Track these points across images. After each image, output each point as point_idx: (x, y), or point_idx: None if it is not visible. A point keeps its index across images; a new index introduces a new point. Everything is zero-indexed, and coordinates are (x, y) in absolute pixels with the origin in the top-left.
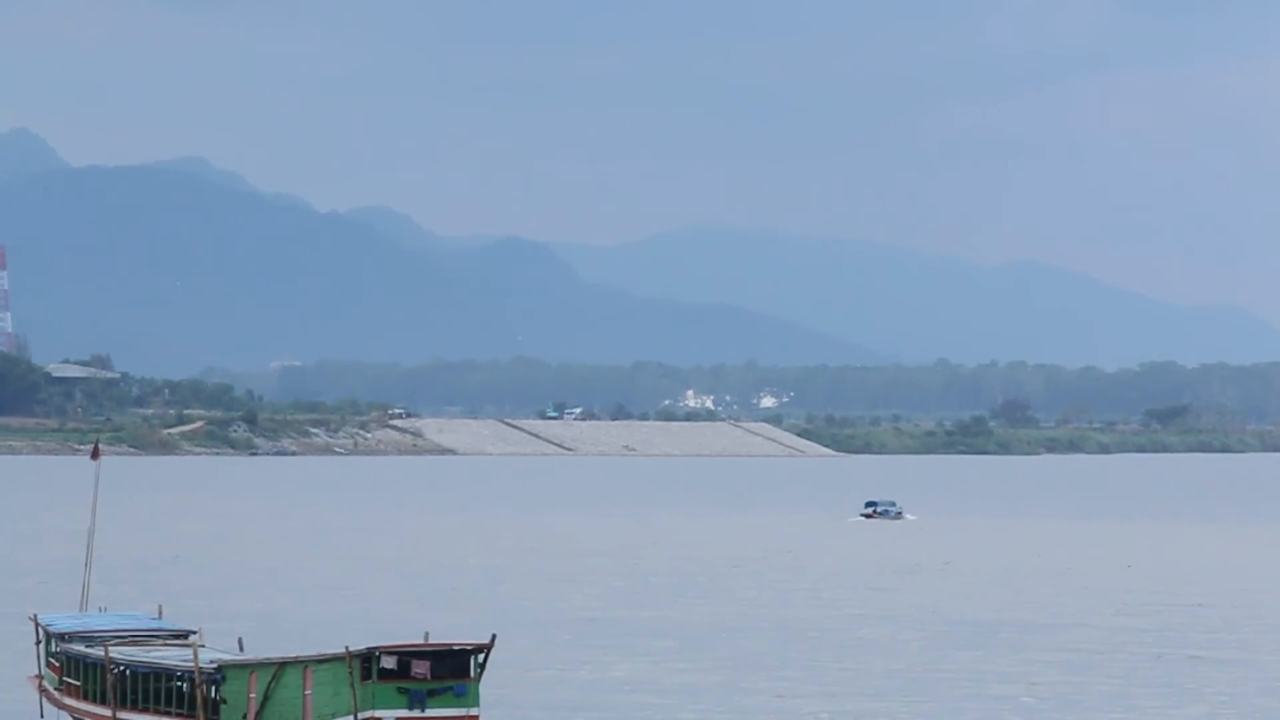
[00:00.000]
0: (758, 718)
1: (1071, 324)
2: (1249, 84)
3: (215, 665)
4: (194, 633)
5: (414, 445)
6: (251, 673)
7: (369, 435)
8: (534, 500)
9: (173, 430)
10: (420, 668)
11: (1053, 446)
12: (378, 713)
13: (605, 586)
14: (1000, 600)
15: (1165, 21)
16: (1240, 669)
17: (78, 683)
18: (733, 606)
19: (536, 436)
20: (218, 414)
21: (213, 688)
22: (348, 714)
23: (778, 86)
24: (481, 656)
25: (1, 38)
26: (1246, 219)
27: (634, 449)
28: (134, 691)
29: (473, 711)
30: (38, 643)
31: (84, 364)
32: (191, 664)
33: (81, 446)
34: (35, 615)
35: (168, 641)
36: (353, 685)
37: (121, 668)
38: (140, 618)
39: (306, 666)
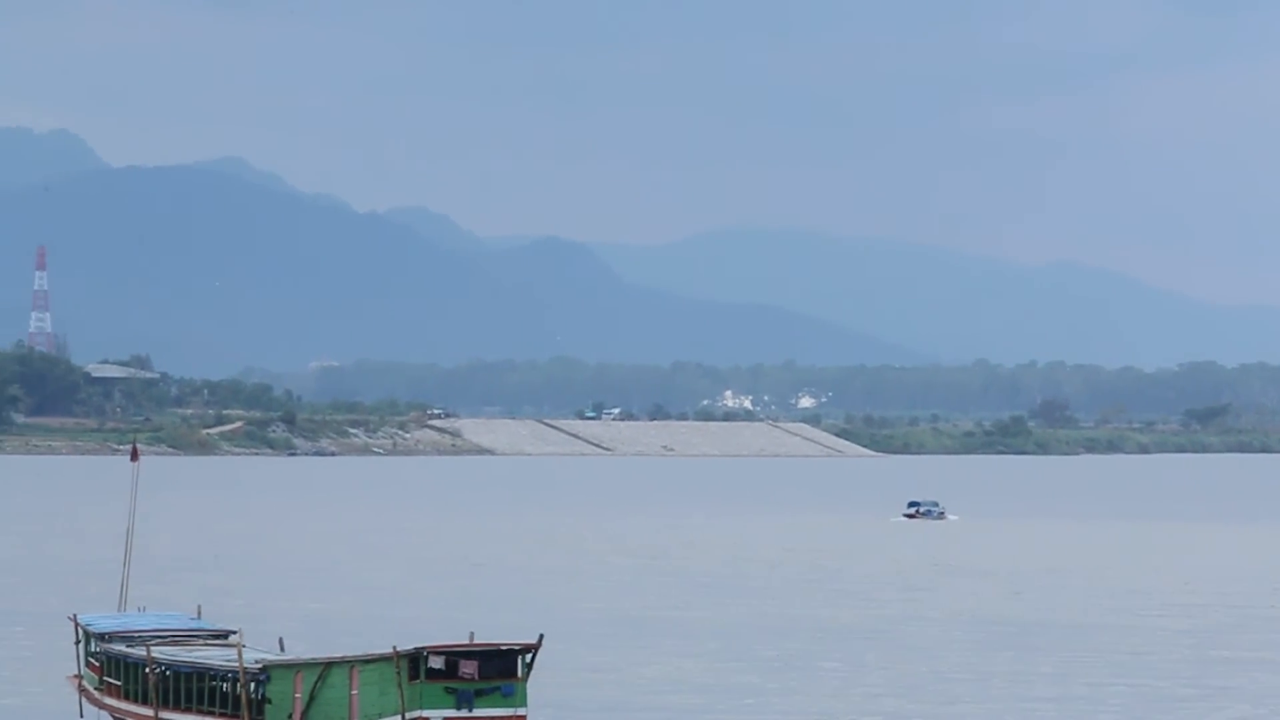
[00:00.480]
0: (803, 719)
1: (1110, 324)
2: None
3: (260, 665)
4: (234, 633)
5: (452, 445)
6: (297, 673)
7: (407, 435)
8: (574, 501)
9: (211, 430)
10: (468, 668)
11: (1092, 447)
12: (425, 713)
13: (650, 586)
14: (1043, 601)
15: (1204, 20)
16: None
17: (119, 683)
18: (777, 607)
19: (575, 437)
20: (256, 414)
21: (257, 688)
22: (395, 714)
23: (817, 87)
24: (529, 656)
25: (41, 39)
26: None
27: (672, 449)
28: (177, 692)
29: (520, 711)
30: (77, 642)
31: (123, 364)
32: (235, 664)
33: (121, 447)
34: (74, 615)
35: (208, 641)
36: (400, 685)
37: (164, 668)
38: (180, 618)
39: (353, 666)
